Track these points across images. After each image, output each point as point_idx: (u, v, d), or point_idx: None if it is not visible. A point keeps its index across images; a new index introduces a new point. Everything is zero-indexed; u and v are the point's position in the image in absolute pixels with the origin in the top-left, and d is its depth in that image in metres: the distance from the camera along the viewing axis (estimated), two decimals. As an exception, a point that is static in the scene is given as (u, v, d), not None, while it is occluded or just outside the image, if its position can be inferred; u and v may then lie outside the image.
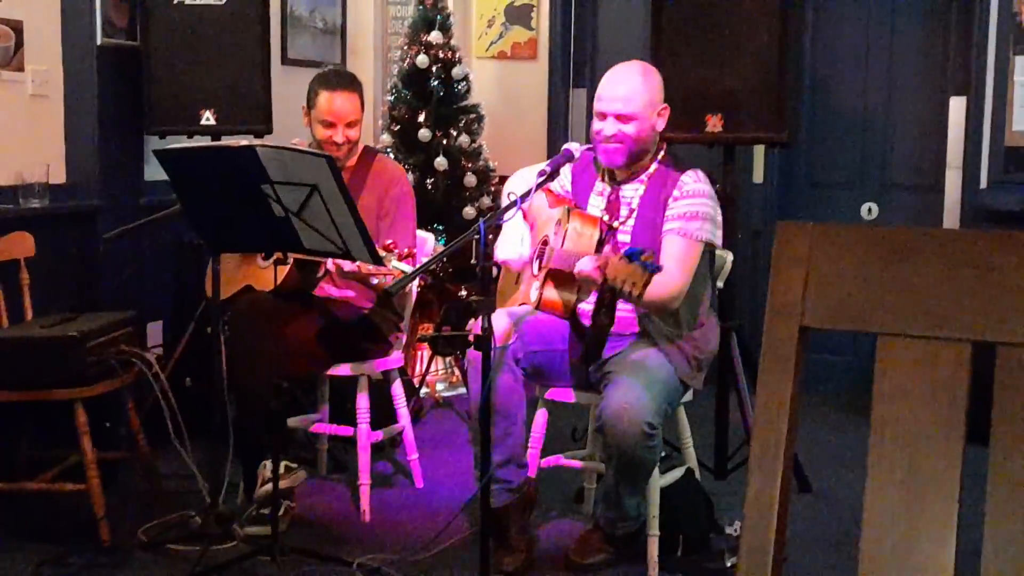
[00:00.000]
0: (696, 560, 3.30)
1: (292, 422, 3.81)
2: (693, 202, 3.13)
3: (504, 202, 3.07)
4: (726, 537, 3.43)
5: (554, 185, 3.34)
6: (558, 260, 3.13)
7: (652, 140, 3.23)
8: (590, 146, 3.32)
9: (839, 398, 5.19)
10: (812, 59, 5.36)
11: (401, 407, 3.85)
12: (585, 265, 2.90)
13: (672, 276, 2.97)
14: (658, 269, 2.71)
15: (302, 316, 3.59)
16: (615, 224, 3.20)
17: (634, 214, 3.21)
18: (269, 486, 3.34)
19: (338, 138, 3.63)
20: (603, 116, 3.17)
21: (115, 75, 4.26)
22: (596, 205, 3.29)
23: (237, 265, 3.75)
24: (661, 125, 3.23)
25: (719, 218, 3.18)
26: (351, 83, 3.72)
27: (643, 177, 3.23)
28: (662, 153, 3.27)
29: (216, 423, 3.36)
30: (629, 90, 3.16)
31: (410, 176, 5.12)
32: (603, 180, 3.32)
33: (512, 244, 3.29)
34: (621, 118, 3.14)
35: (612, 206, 3.24)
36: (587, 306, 3.22)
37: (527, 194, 3.00)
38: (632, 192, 3.24)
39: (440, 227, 5.05)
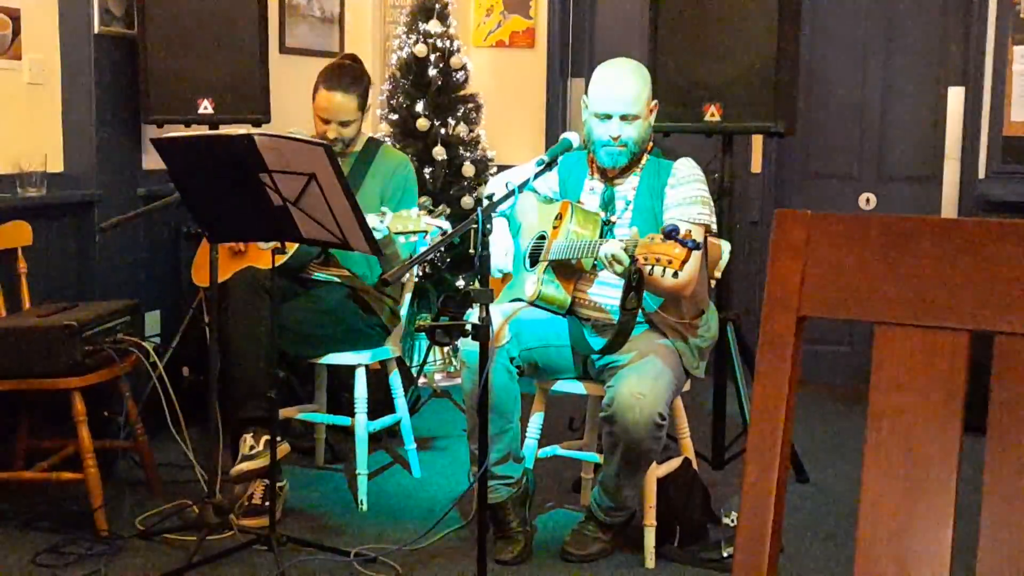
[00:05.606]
0: (693, 550, 3.30)
1: (289, 411, 3.80)
2: (690, 188, 3.17)
3: (499, 193, 3.05)
4: (723, 527, 3.43)
5: (541, 186, 3.36)
6: (558, 251, 3.13)
7: (649, 138, 3.26)
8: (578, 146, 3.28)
9: (837, 388, 5.20)
10: (810, 48, 5.34)
11: (399, 397, 3.85)
12: (611, 246, 2.89)
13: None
14: (698, 246, 2.69)
15: (299, 297, 3.66)
16: (612, 219, 3.21)
17: (631, 207, 3.21)
18: (247, 463, 3.35)
19: (331, 134, 3.69)
20: (607, 117, 3.18)
21: (112, 63, 4.24)
22: (589, 202, 3.29)
23: (234, 249, 3.80)
24: (652, 120, 3.27)
25: (712, 203, 3.21)
26: (351, 84, 3.72)
27: (636, 170, 3.26)
28: (650, 145, 3.29)
29: (211, 411, 3.36)
30: (632, 91, 3.18)
31: (408, 166, 5.12)
32: (594, 176, 3.33)
33: (496, 257, 3.30)
34: (626, 118, 3.16)
35: (607, 202, 3.25)
36: (585, 297, 3.22)
37: (525, 183, 2.99)
38: (627, 186, 3.25)
39: (438, 217, 5.05)
